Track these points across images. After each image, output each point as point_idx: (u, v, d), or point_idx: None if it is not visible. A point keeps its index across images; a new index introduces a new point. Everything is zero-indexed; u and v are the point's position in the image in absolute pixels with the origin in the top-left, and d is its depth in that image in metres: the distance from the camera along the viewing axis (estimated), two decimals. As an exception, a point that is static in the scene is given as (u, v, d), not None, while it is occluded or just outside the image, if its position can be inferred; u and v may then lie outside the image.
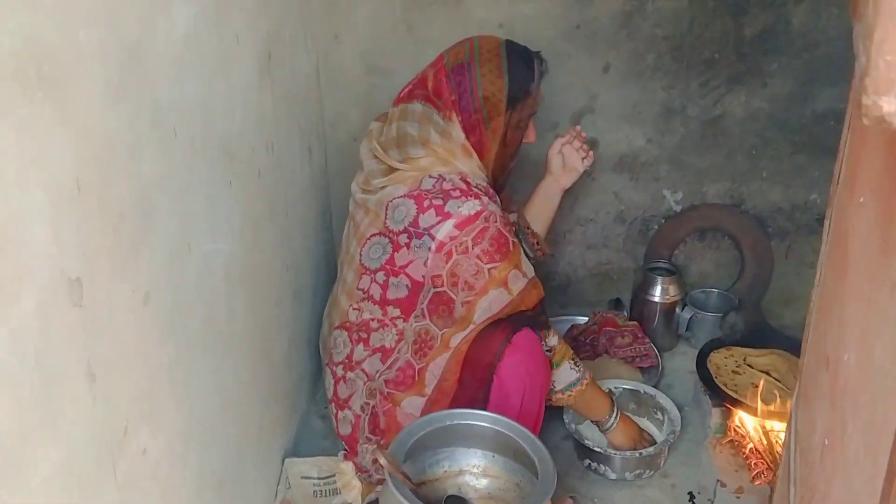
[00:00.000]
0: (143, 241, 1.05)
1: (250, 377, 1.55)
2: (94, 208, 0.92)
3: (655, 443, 1.82)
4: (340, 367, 1.74)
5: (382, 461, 1.26)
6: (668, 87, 2.10)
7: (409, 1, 2.03)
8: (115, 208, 0.97)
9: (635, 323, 2.16)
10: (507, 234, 1.62)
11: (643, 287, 2.20)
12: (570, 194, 2.21)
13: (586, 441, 1.78)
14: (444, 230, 1.58)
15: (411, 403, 1.63)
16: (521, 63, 1.68)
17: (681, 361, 2.17)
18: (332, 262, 2.27)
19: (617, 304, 2.30)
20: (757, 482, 1.75)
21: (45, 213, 0.82)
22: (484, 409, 1.57)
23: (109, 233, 0.95)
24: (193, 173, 1.22)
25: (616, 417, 1.79)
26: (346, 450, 1.76)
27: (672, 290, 2.18)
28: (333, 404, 1.76)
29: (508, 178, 1.82)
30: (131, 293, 1.02)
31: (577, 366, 1.72)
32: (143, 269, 1.05)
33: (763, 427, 1.78)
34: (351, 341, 1.72)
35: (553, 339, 1.70)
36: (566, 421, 1.82)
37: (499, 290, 1.61)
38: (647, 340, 2.12)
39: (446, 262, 1.59)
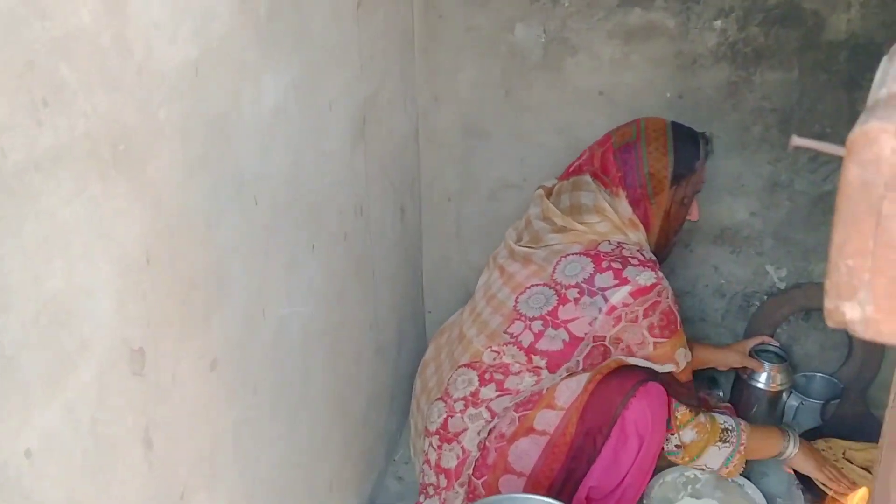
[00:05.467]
0: (215, 308, 1.07)
1: (324, 436, 1.55)
2: (163, 279, 0.95)
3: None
4: (461, 402, 1.72)
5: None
6: (775, 160, 2.02)
7: (508, 67, 2.04)
8: (187, 278, 1.00)
9: (728, 405, 2.06)
10: (675, 312, 1.68)
11: (747, 371, 2.07)
12: (665, 266, 2.15)
13: (666, 530, 1.70)
14: (619, 295, 1.63)
15: (543, 417, 1.64)
16: (688, 142, 1.76)
17: (778, 448, 2.05)
18: (419, 317, 2.29)
19: (711, 382, 2.20)
20: (851, 590, 1.63)
21: (110, 285, 0.85)
22: (604, 442, 1.60)
23: (178, 302, 0.98)
24: (273, 240, 1.25)
25: (794, 445, 1.74)
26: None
27: (780, 377, 2.03)
28: (437, 436, 1.73)
29: (670, 253, 1.88)
30: (198, 360, 1.04)
31: (726, 441, 1.70)
32: (212, 336, 1.07)
33: (860, 531, 1.66)
34: (480, 380, 1.71)
35: (688, 435, 1.67)
36: (646, 506, 1.75)
37: (664, 364, 1.66)
38: (740, 425, 2.01)
39: (614, 326, 1.64)
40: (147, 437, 0.93)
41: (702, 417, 1.69)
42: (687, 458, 1.70)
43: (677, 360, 1.67)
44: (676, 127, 1.79)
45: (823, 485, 1.75)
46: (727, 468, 1.71)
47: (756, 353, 2.06)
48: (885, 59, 0.47)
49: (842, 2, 1.85)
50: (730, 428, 1.71)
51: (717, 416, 1.73)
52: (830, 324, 0.41)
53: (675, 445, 1.68)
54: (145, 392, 0.92)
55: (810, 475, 1.75)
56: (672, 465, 1.82)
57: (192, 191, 1.00)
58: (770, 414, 2.08)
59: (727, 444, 1.70)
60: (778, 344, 2.10)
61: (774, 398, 2.06)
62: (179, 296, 0.99)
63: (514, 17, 2.00)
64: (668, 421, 1.65)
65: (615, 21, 1.95)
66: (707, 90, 1.98)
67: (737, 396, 2.10)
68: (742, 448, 1.70)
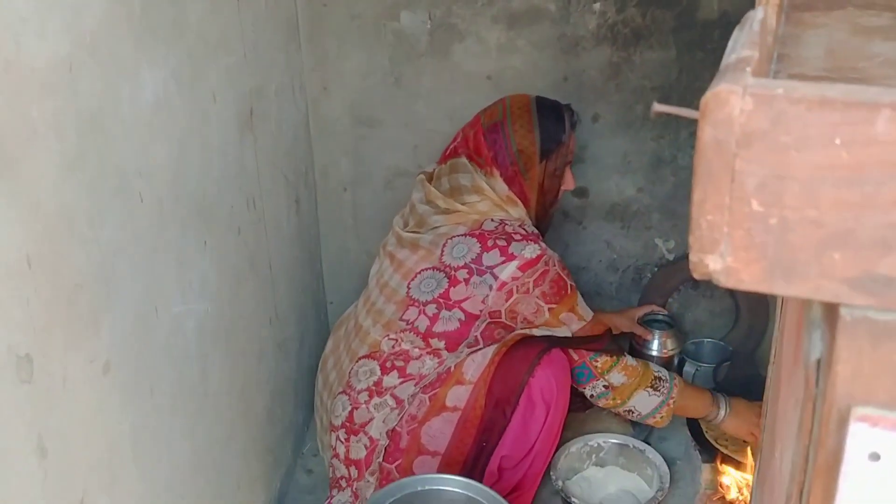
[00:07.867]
0: (103, 309, 1.05)
1: (227, 435, 1.53)
2: (47, 282, 0.91)
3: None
4: (364, 393, 1.73)
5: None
6: (658, 136, 2.09)
7: (397, 54, 2.04)
8: (71, 279, 0.97)
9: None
10: (565, 278, 1.73)
11: (639, 339, 2.15)
12: (559, 242, 2.21)
13: (573, 499, 1.75)
14: (508, 271, 1.66)
15: (454, 394, 1.67)
16: (552, 116, 1.79)
17: (675, 413, 2.13)
18: (321, 309, 2.27)
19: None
20: (747, 541, 1.71)
21: (-11, 291, 0.82)
22: (513, 412, 1.66)
23: (64, 305, 0.95)
24: (161, 236, 1.22)
25: (724, 411, 1.81)
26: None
27: (670, 343, 2.12)
28: (344, 430, 1.74)
29: (551, 222, 1.92)
30: (89, 363, 1.01)
31: (657, 389, 1.76)
32: (102, 338, 1.04)
33: (748, 484, 1.75)
34: (382, 369, 1.73)
35: (616, 378, 1.74)
36: (553, 477, 1.79)
37: (560, 328, 1.73)
38: (638, 393, 2.08)
39: (506, 300, 1.68)
40: (41, 446, 0.90)
41: (631, 361, 1.77)
42: (618, 401, 1.76)
43: (568, 323, 1.73)
44: (541, 102, 1.81)
45: (718, 443, 1.83)
46: (654, 417, 1.78)
47: (646, 322, 2.13)
48: (737, 28, 0.50)
49: (712, -18, 1.93)
50: (663, 378, 1.78)
51: (651, 364, 1.81)
52: (696, 276, 0.44)
53: (604, 386, 1.75)
54: (36, 399, 0.89)
55: (743, 438, 1.82)
56: (576, 436, 1.88)
57: (71, 189, 0.97)
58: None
59: (658, 393, 1.76)
60: (666, 312, 2.18)
61: (667, 364, 2.14)
62: (65, 299, 0.96)
63: (398, 4, 2.00)
64: (584, 376, 1.75)
65: (499, 6, 1.98)
66: (590, 72, 2.03)
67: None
68: (672, 401, 1.77)
